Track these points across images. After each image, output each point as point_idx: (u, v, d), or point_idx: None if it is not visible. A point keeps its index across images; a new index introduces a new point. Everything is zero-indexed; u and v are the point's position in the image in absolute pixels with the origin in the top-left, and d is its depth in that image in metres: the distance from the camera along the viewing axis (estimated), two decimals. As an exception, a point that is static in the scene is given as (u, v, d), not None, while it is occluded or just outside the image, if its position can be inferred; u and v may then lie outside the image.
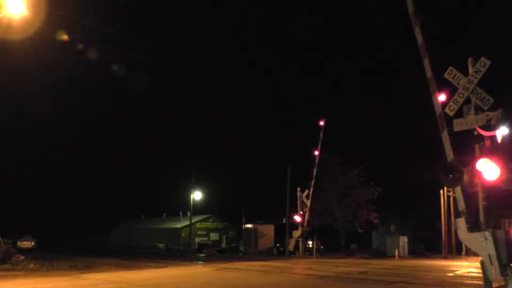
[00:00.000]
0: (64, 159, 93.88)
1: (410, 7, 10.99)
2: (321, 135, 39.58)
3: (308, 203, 40.30)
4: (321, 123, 39.39)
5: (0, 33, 15.85)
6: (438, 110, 10.34)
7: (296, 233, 41.00)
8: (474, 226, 9.16)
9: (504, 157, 9.11)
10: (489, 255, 8.69)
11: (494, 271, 8.67)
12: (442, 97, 10.65)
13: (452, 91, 10.41)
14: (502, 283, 8.98)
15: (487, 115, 9.47)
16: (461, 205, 9.53)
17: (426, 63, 10.59)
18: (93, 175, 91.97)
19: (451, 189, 36.25)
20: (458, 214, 9.59)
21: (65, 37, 22.33)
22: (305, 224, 40.30)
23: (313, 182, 40.28)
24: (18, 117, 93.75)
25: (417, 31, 10.85)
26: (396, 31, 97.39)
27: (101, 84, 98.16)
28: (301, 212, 41.14)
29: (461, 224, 9.29)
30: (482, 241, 8.84)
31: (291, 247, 41.31)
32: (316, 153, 40.39)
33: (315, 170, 40.07)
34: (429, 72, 10.57)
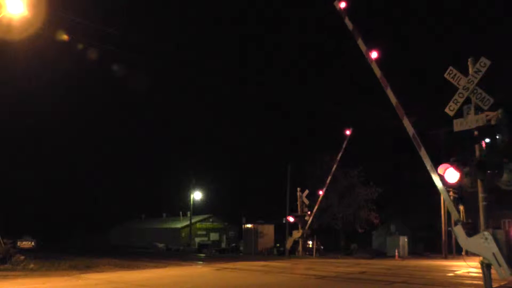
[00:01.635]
0: (64, 159, 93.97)
1: (363, 47, 11.77)
2: (345, 144, 38.66)
3: (315, 208, 39.80)
4: (347, 132, 38.35)
5: (0, 33, 15.86)
6: (410, 131, 10.84)
7: (296, 234, 40.82)
8: (471, 230, 9.19)
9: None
10: (494, 254, 8.64)
11: (503, 268, 8.59)
12: (411, 119, 11.25)
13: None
14: (504, 282, 8.99)
15: (487, 115, 9.47)
16: (455, 215, 9.68)
17: (389, 92, 11.12)
18: (93, 175, 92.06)
19: (451, 189, 36.29)
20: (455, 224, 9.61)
21: (65, 37, 22.32)
22: (307, 227, 40.04)
23: (324, 189, 39.80)
24: (18, 117, 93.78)
25: (374, 66, 11.41)
26: (396, 32, 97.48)
27: (101, 84, 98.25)
28: (300, 212, 41.02)
29: (459, 231, 9.28)
30: (483, 241, 8.81)
31: (288, 245, 41.15)
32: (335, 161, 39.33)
33: (329, 178, 39.27)
34: (393, 100, 11.12)
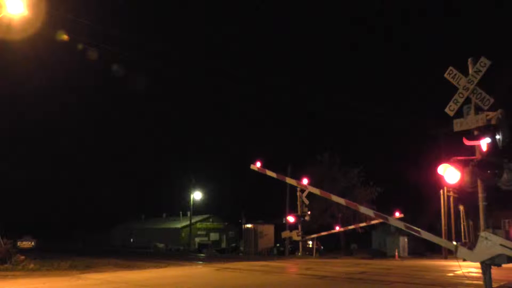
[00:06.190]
0: (64, 159, 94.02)
1: (293, 182, 13.09)
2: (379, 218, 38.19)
3: (322, 233, 39.90)
4: (397, 214, 37.29)
5: (0, 33, 15.87)
6: (368, 213, 12.08)
7: (296, 237, 40.44)
8: (470, 243, 9.24)
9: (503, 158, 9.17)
10: (502, 245, 8.55)
11: None
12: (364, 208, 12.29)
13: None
14: (504, 282, 8.95)
15: (487, 115, 9.48)
16: (450, 245, 10.00)
17: (335, 198, 11.97)
18: (93, 175, 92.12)
19: (451, 189, 36.32)
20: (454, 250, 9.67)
21: (65, 37, 22.31)
22: (310, 237, 39.98)
23: (342, 228, 40.06)
24: (18, 117, 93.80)
25: (310, 189, 12.88)
26: (396, 33, 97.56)
27: (101, 84, 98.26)
28: (300, 212, 40.93)
29: (462, 251, 9.22)
30: (486, 242, 8.76)
31: (284, 235, 40.95)
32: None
33: (353, 226, 39.76)
34: (342, 201, 11.88)
